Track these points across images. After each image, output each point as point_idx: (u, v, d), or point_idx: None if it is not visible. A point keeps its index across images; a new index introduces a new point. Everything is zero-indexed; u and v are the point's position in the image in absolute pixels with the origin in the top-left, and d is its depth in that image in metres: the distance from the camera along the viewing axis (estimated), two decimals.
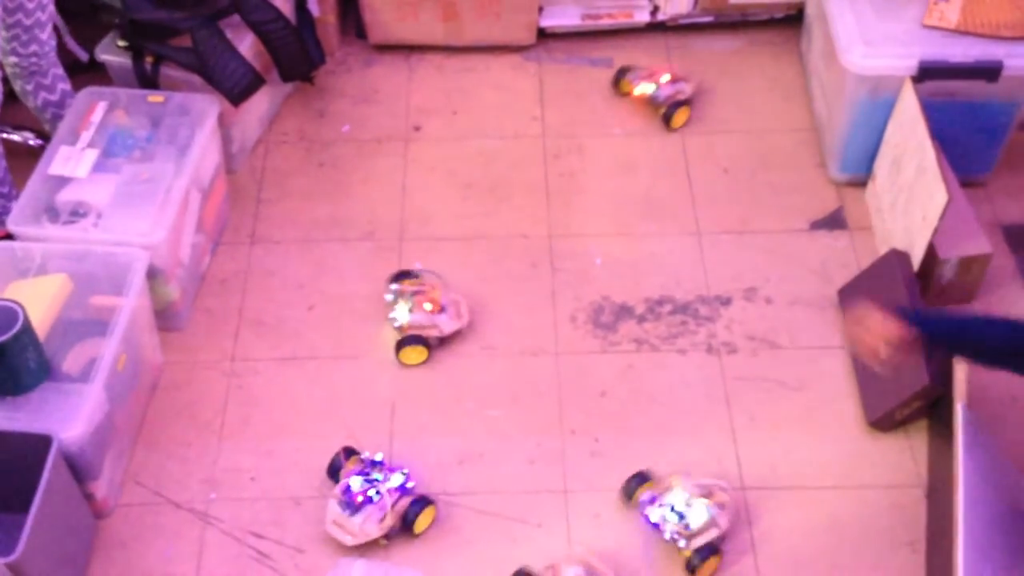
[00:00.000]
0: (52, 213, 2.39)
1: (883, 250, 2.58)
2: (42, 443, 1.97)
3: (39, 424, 2.03)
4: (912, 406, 2.28)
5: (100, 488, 2.15)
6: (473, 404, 2.40)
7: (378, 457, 2.22)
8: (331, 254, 2.67)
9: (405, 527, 2.17)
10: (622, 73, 2.99)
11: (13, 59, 2.50)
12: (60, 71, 2.60)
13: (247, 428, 2.35)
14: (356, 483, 2.16)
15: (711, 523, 2.12)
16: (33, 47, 2.49)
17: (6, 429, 2.03)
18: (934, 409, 2.29)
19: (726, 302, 2.57)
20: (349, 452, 2.23)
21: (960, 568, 1.88)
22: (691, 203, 2.78)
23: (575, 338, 2.51)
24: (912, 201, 2.47)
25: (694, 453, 2.31)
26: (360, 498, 2.14)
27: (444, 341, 2.48)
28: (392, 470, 2.19)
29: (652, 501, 2.15)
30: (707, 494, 2.15)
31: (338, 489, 2.17)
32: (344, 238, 2.71)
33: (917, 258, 2.43)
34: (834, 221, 2.73)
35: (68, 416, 2.04)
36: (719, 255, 2.66)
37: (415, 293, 2.48)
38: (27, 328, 2.03)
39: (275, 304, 2.57)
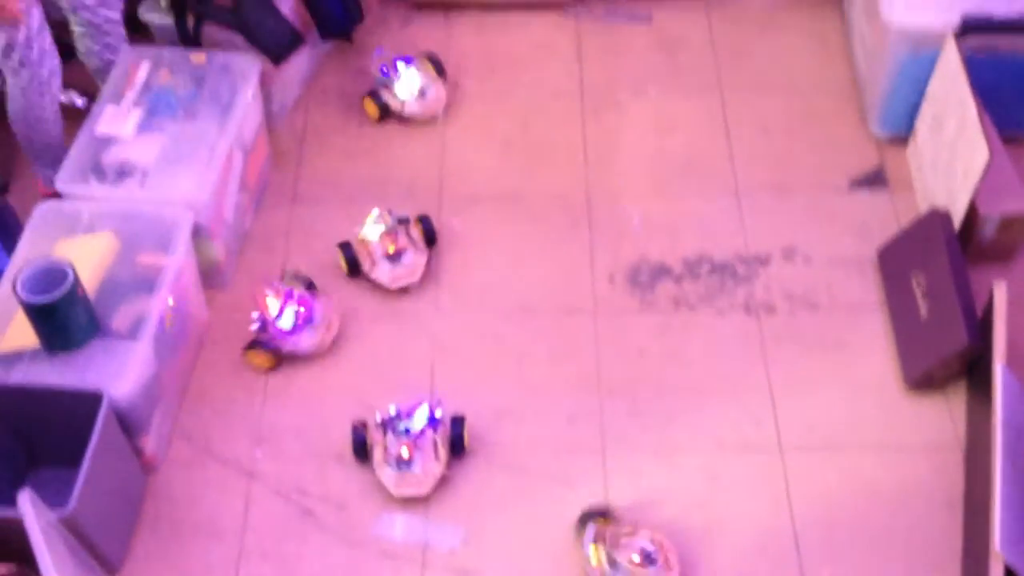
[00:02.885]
0: (99, 172, 2.42)
1: (924, 209, 2.57)
2: (93, 399, 2.02)
3: (89, 380, 2.08)
4: (951, 366, 2.28)
5: (149, 443, 2.20)
6: (511, 362, 2.43)
7: (392, 411, 2.24)
8: (371, 210, 2.69)
9: (456, 450, 2.23)
10: None
11: (86, 15, 2.53)
12: (123, 32, 2.63)
13: (291, 385, 2.39)
14: (392, 442, 2.20)
15: None
16: (103, 10, 2.53)
17: (57, 385, 2.07)
18: (973, 369, 2.29)
19: (764, 262, 2.57)
20: (360, 426, 2.24)
21: (998, 529, 1.89)
22: (730, 162, 2.77)
23: (613, 297, 2.53)
24: (953, 158, 2.45)
25: (732, 414, 2.32)
26: (405, 452, 2.18)
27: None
28: (409, 414, 2.22)
29: (594, 539, 2.07)
30: (655, 553, 2.04)
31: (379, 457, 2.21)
32: (384, 196, 2.72)
33: (958, 216, 2.42)
34: (874, 179, 2.71)
35: (117, 372, 2.09)
36: (758, 214, 2.66)
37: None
38: (76, 286, 2.07)
39: (317, 263, 2.60)
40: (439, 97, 2.83)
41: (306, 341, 2.39)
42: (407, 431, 2.19)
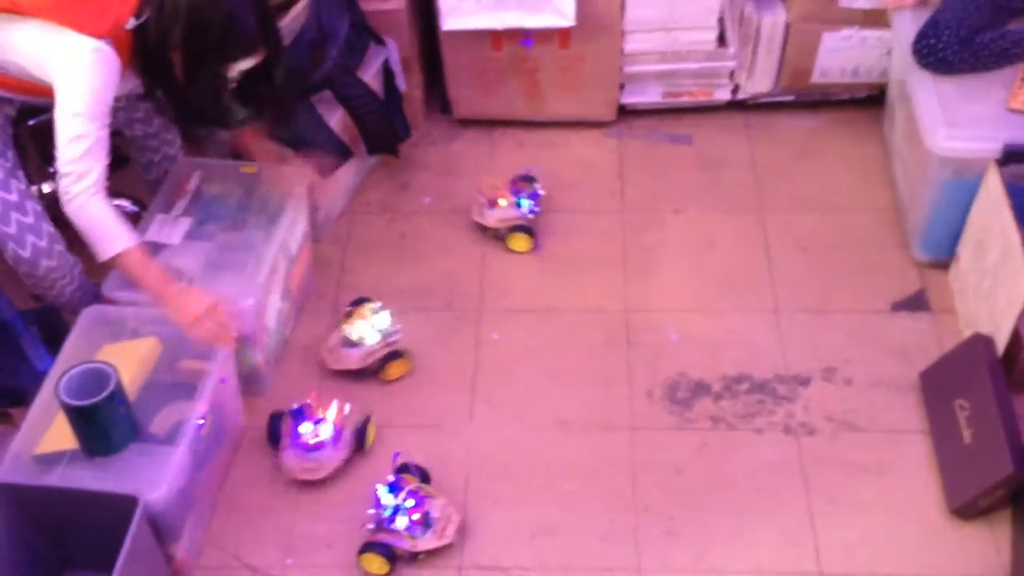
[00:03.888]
0: None
1: (966, 333, 2.54)
2: (128, 503, 2.02)
3: (126, 484, 2.08)
4: (995, 494, 2.23)
5: (180, 549, 2.19)
6: (546, 478, 2.41)
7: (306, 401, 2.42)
8: (412, 323, 2.71)
9: (360, 445, 2.42)
10: None
11: (140, 128, 2.61)
12: (179, 142, 2.72)
13: (324, 495, 2.38)
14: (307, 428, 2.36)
15: None
16: (157, 119, 2.62)
17: (93, 488, 2.08)
18: (1018, 497, 2.24)
19: (804, 382, 2.55)
20: (277, 416, 2.43)
21: None
22: (770, 281, 2.77)
23: (651, 414, 2.51)
24: (997, 284, 2.44)
25: (770, 536, 2.28)
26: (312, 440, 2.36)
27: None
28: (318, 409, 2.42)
29: None
30: None
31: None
32: (425, 307, 2.75)
33: (1002, 342, 2.39)
34: (916, 302, 2.70)
35: (153, 478, 2.09)
36: (798, 334, 2.65)
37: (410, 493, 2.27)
38: (119, 390, 2.09)
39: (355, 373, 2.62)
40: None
41: (424, 543, 2.23)
42: (317, 422, 2.38)
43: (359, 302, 2.64)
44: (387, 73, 2.98)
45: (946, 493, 2.32)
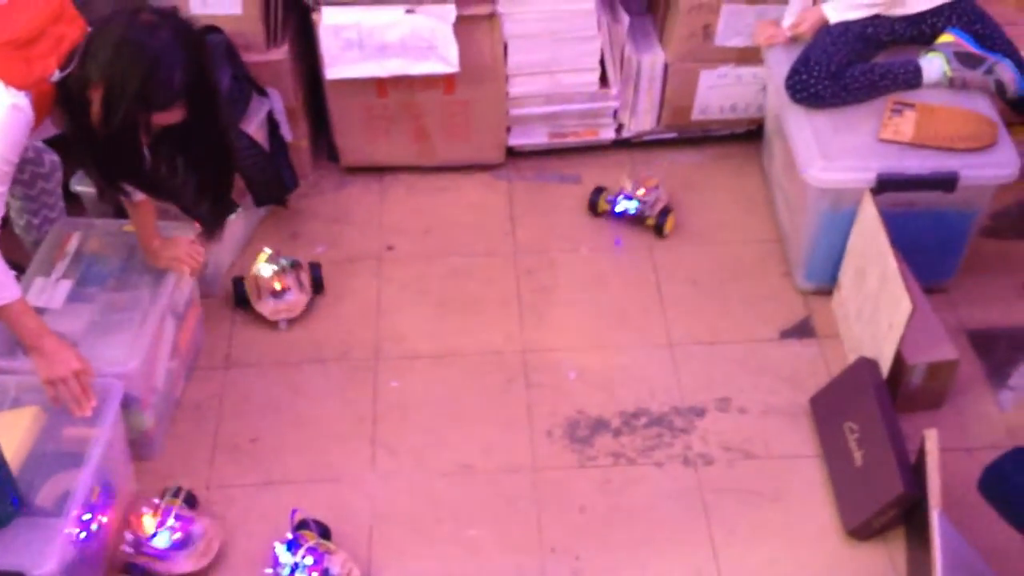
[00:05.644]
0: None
1: (852, 357, 2.62)
2: None
3: (10, 560, 1.99)
4: (888, 514, 2.29)
5: None
6: (451, 524, 2.39)
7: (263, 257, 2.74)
8: (306, 375, 2.68)
9: (317, 288, 2.82)
10: (597, 193, 3.05)
11: (22, 190, 2.55)
12: (62, 205, 2.66)
13: (226, 559, 2.32)
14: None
15: None
16: (41, 183, 2.57)
17: None
18: (911, 515, 2.30)
19: (700, 413, 2.59)
20: (239, 280, 2.75)
21: None
22: (662, 315, 2.82)
23: (552, 453, 2.52)
24: (878, 309, 2.52)
25: (675, 568, 2.30)
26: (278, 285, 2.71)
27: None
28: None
29: None
30: None
31: None
32: (319, 359, 2.72)
33: (885, 365, 2.47)
34: (803, 330, 2.77)
35: (40, 551, 2.01)
36: (692, 366, 2.69)
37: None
38: (0, 464, 2.01)
39: (250, 428, 2.57)
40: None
41: (182, 564, 2.25)
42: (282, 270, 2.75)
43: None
44: (272, 124, 2.96)
45: (841, 515, 2.37)
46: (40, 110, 2.09)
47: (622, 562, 2.31)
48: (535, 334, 2.77)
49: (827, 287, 2.82)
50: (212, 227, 2.49)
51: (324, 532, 2.31)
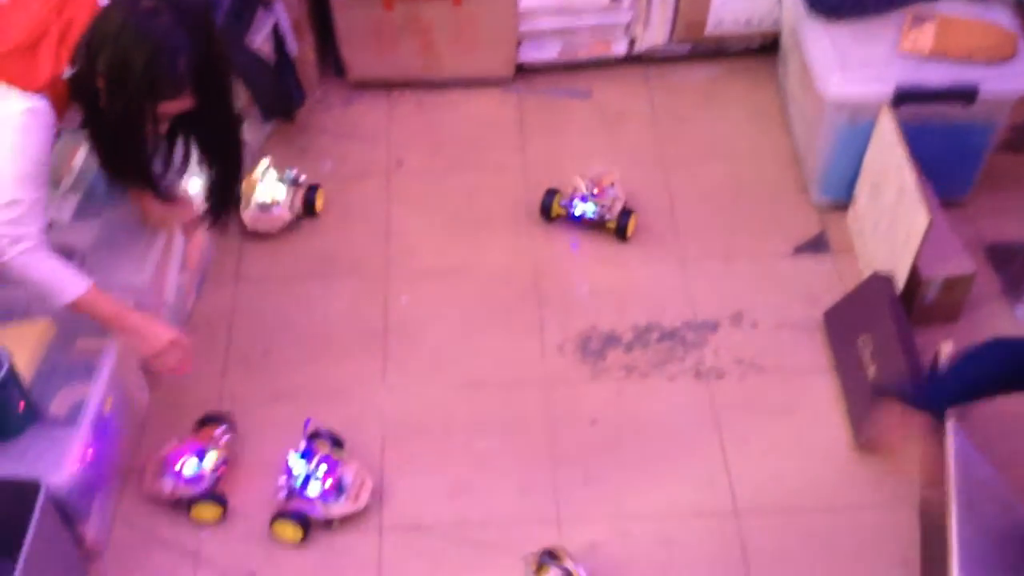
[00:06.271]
0: None
1: (866, 273, 2.60)
2: (30, 488, 1.95)
3: (26, 469, 2.00)
4: None
5: (90, 530, 2.13)
6: (462, 436, 2.39)
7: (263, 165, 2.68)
8: (316, 291, 2.67)
9: (309, 209, 2.72)
10: (550, 196, 2.77)
11: None
12: None
13: (236, 468, 2.33)
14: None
15: None
16: None
17: None
18: None
19: (713, 328, 2.58)
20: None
21: None
22: (675, 231, 2.79)
23: (563, 368, 2.51)
24: (894, 224, 2.49)
25: (686, 479, 2.30)
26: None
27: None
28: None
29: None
30: None
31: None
32: (329, 274, 2.71)
33: (901, 280, 2.45)
34: (817, 245, 2.75)
35: (55, 461, 2.02)
36: (704, 282, 2.67)
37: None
38: (12, 373, 2.01)
39: (261, 342, 2.56)
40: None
41: (338, 509, 2.21)
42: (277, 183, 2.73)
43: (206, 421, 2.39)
44: (277, 38, 2.91)
45: (853, 428, 2.37)
46: (61, 107, 2.02)
47: (632, 473, 2.32)
48: (546, 249, 2.75)
49: (843, 202, 2.79)
50: (219, 219, 2.37)
51: (337, 442, 2.31)
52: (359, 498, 2.22)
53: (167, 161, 2.20)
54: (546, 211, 2.78)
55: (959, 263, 2.50)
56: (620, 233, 2.73)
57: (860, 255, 2.70)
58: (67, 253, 2.33)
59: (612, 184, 2.76)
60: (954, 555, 1.93)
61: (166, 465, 2.25)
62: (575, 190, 2.76)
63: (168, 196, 2.31)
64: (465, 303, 2.65)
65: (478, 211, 2.85)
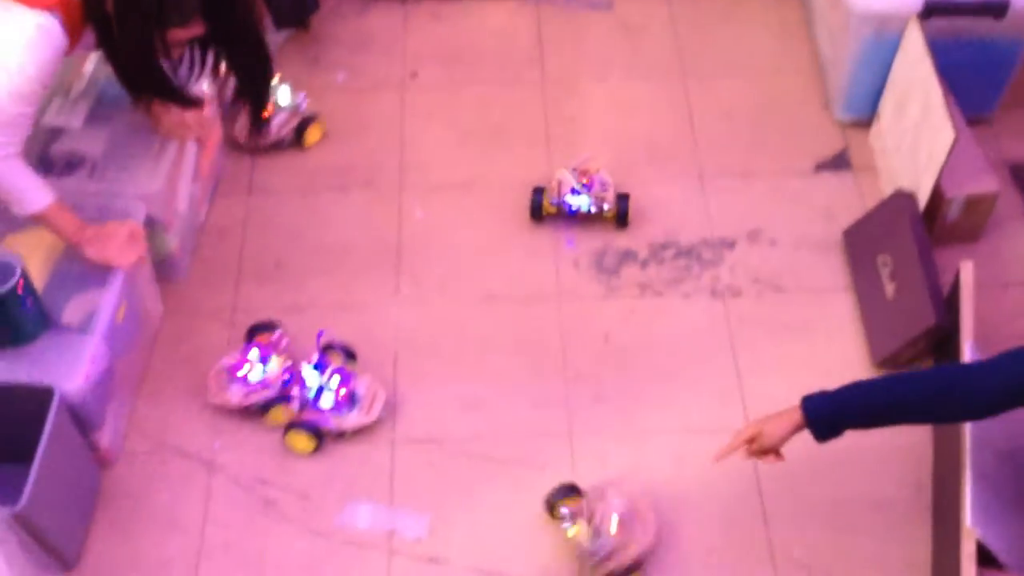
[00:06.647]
0: (46, 164, 2.35)
1: (888, 191, 2.55)
2: (44, 394, 1.96)
3: (40, 375, 2.01)
4: (918, 346, 2.27)
5: (103, 438, 2.14)
6: (475, 351, 2.39)
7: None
8: (329, 203, 2.64)
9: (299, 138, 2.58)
10: (539, 194, 2.56)
11: None
12: None
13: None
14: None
15: (627, 541, 2.02)
16: None
17: (7, 381, 2.01)
18: (940, 348, 2.28)
19: (730, 245, 2.55)
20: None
21: (968, 508, 1.87)
22: (693, 147, 2.74)
23: (578, 283, 2.49)
24: (918, 140, 2.44)
25: (699, 396, 2.30)
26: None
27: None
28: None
29: (572, 516, 2.05)
30: (630, 513, 2.05)
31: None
32: (343, 186, 2.68)
33: (923, 198, 2.41)
34: (839, 162, 2.70)
35: (69, 367, 2.02)
36: (723, 198, 2.64)
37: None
38: (25, 279, 2.01)
39: (274, 254, 2.55)
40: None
41: (351, 421, 2.22)
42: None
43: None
44: None
45: (870, 347, 2.35)
46: (73, 31, 1.99)
47: (645, 389, 2.31)
48: (562, 164, 2.70)
49: (866, 119, 2.73)
50: (257, 123, 2.40)
51: (350, 355, 2.31)
52: (371, 410, 2.22)
53: (188, 74, 2.19)
54: (536, 211, 2.55)
55: (983, 182, 2.45)
56: (621, 220, 2.54)
57: (882, 173, 2.65)
58: (77, 160, 2.33)
59: (598, 170, 2.57)
60: (967, 476, 1.92)
61: (230, 374, 2.25)
62: (561, 184, 2.54)
63: (188, 102, 2.27)
64: (479, 217, 2.62)
65: (494, 124, 2.81)
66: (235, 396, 2.23)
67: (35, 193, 2.05)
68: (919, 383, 1.78)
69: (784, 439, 1.88)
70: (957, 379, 1.75)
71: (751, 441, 1.89)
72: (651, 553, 2.05)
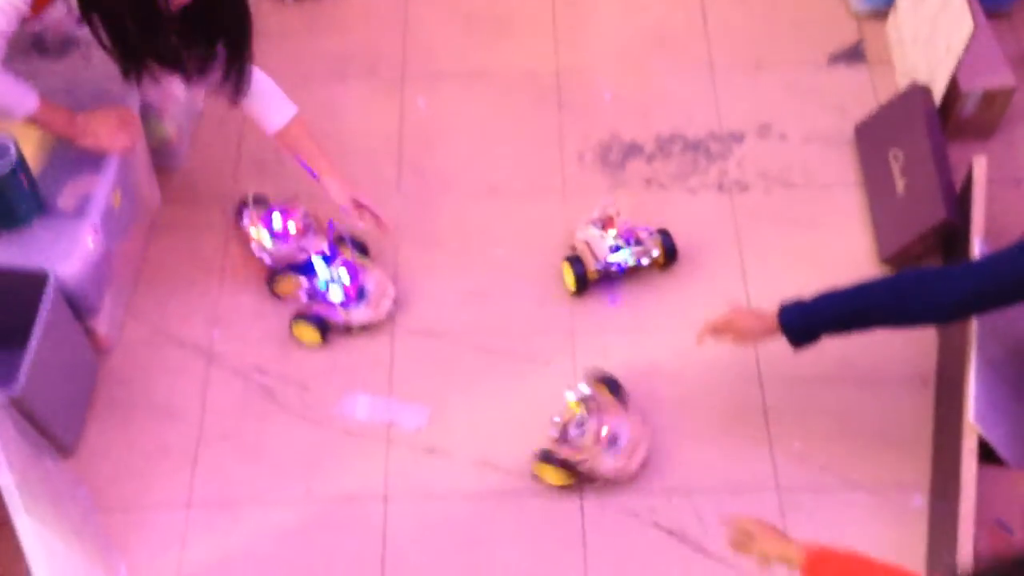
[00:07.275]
0: (41, 47, 2.30)
1: (903, 85, 2.48)
2: (39, 279, 1.94)
3: (34, 259, 1.99)
4: (927, 242, 2.23)
5: (101, 324, 2.12)
6: (478, 244, 2.35)
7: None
8: (330, 91, 2.59)
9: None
10: (579, 265, 2.23)
11: None
12: None
13: (249, 267, 2.31)
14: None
15: (595, 455, 1.98)
16: None
17: (1, 265, 1.98)
18: (950, 244, 2.24)
19: (739, 139, 2.49)
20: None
21: (972, 403, 1.86)
22: (704, 38, 2.67)
23: (583, 177, 2.45)
24: (935, 32, 2.36)
25: (703, 292, 2.26)
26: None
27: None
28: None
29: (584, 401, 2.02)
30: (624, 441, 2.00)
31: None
32: (344, 74, 2.62)
33: (939, 91, 2.34)
34: (853, 54, 2.62)
35: (63, 252, 2.00)
36: (733, 91, 2.57)
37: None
38: (19, 160, 1.97)
39: (274, 145, 2.49)
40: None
41: (359, 315, 2.19)
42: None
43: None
44: None
45: (879, 243, 2.31)
46: None
47: (648, 286, 2.28)
48: (569, 54, 2.64)
49: (883, 9, 2.65)
50: (238, 93, 2.22)
51: (362, 249, 2.28)
52: (380, 306, 2.20)
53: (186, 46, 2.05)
54: (582, 284, 2.23)
55: (1000, 76, 2.38)
56: (670, 257, 2.27)
57: (898, 66, 2.58)
58: (71, 44, 2.27)
59: (618, 213, 2.28)
60: (971, 370, 1.90)
61: (264, 220, 2.26)
62: (591, 245, 2.24)
63: (186, 70, 2.12)
64: (483, 108, 2.56)
65: (499, 11, 2.73)
66: (263, 236, 2.24)
67: (22, 99, 2.00)
68: (889, 285, 1.82)
69: (755, 339, 1.94)
70: (926, 281, 1.78)
71: (724, 328, 1.94)
72: (612, 481, 2.02)
